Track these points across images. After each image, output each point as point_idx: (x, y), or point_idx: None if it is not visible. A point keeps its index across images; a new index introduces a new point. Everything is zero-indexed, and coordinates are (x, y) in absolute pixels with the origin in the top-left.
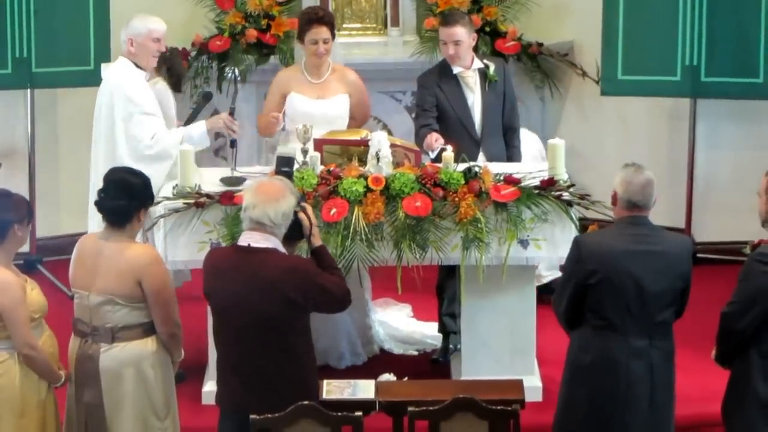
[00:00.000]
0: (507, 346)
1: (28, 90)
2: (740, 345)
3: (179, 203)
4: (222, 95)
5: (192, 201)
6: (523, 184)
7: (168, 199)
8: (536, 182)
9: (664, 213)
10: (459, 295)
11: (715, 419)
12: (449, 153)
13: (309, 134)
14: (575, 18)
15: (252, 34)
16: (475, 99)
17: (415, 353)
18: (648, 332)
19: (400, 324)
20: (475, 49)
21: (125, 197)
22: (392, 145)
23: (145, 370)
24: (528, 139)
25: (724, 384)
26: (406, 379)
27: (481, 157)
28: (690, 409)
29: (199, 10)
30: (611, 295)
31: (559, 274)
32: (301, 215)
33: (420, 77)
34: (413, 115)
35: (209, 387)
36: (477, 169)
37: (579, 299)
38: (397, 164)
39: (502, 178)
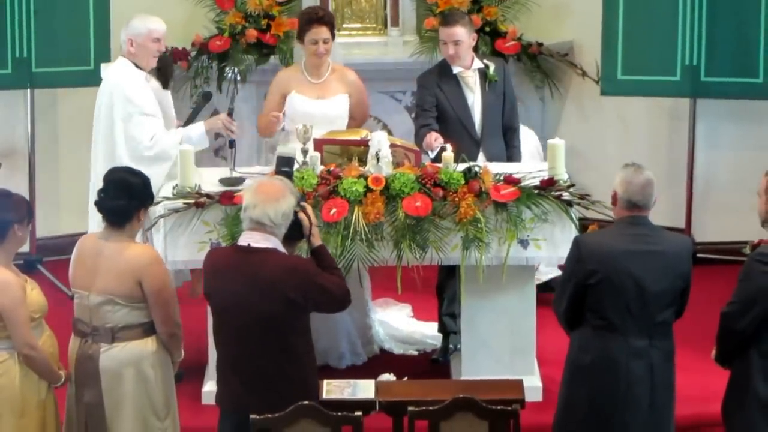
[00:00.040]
0: (507, 346)
1: (28, 90)
2: (740, 345)
3: (179, 203)
4: (222, 95)
5: (192, 201)
6: (523, 184)
7: (168, 199)
8: (536, 182)
9: (664, 213)
10: (459, 295)
11: (715, 419)
12: (449, 153)
13: (309, 134)
14: (575, 18)
15: (252, 34)
16: (475, 99)
17: (415, 353)
18: (648, 332)
19: (400, 324)
20: (475, 49)
21: (125, 197)
22: (392, 145)
23: (145, 370)
24: (525, 136)
25: (724, 384)
26: (406, 379)
27: (480, 157)
28: (690, 409)
29: (199, 10)
30: (611, 295)
31: (557, 272)
32: (301, 215)
33: (420, 77)
34: (413, 115)
35: (209, 387)
36: (477, 169)
37: (579, 299)
38: (397, 164)
39: (502, 178)
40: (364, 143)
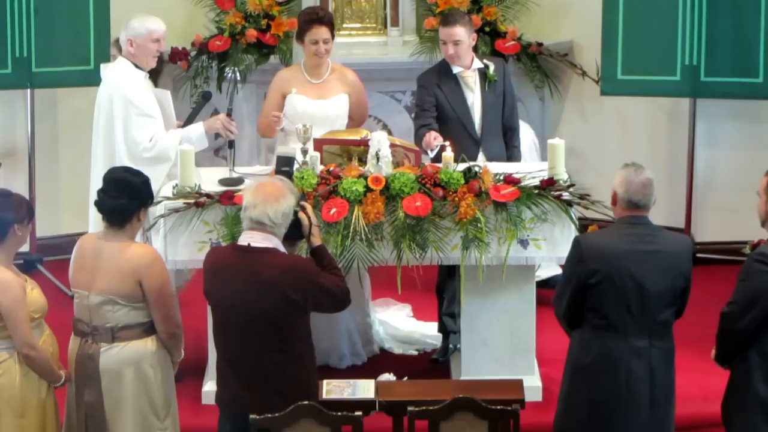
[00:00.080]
0: (507, 346)
1: (28, 90)
2: (740, 345)
3: (179, 203)
4: (222, 95)
5: (192, 201)
6: (522, 184)
7: (168, 198)
8: (536, 182)
9: (664, 213)
10: (459, 295)
11: (715, 419)
12: (449, 153)
13: (309, 134)
14: (575, 18)
15: (252, 34)
16: (474, 99)
17: (415, 353)
18: (648, 332)
19: (400, 324)
20: (475, 49)
21: (125, 196)
22: (392, 145)
23: (145, 369)
24: (522, 130)
25: (724, 384)
26: (406, 379)
27: (480, 156)
28: (690, 409)
29: (199, 10)
30: (612, 295)
31: (557, 269)
32: (301, 215)
33: (420, 77)
34: (413, 115)
35: (209, 387)
36: (477, 168)
37: (579, 299)
38: (397, 164)
39: (501, 177)
40: (364, 143)
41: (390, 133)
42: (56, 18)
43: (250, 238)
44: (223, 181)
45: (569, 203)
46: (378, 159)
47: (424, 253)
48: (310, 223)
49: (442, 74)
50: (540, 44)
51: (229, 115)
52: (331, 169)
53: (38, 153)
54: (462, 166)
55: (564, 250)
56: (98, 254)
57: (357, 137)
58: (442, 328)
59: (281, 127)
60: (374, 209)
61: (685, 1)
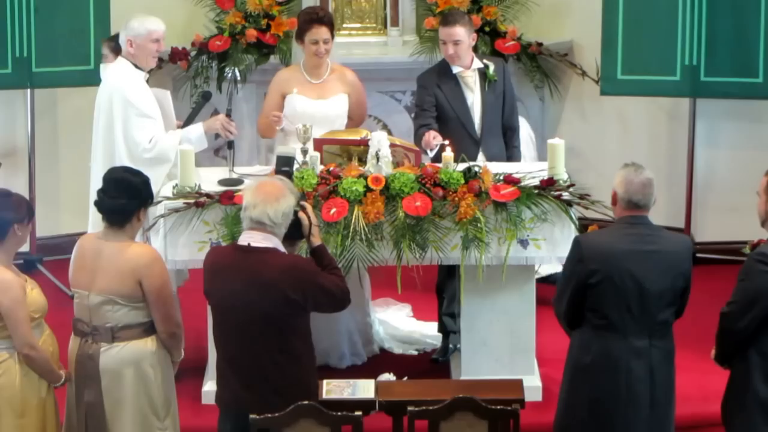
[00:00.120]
0: (507, 346)
1: (28, 90)
2: (740, 345)
3: (179, 203)
4: (222, 95)
5: (192, 201)
6: (522, 184)
7: (168, 198)
8: (536, 182)
9: (663, 213)
10: (459, 295)
11: (715, 419)
12: (449, 153)
13: (309, 134)
14: (575, 18)
15: (252, 34)
16: (474, 99)
17: (415, 353)
18: (648, 332)
19: (400, 323)
20: (475, 49)
21: (125, 196)
22: (392, 145)
23: (145, 369)
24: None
25: (724, 384)
26: (406, 378)
27: (480, 156)
28: (690, 409)
29: (199, 10)
30: (612, 295)
31: (557, 267)
32: (301, 214)
33: (419, 77)
34: (413, 114)
35: (209, 387)
36: (477, 168)
37: (579, 299)
38: (396, 164)
39: (501, 177)
40: (364, 143)
41: (390, 133)
42: (56, 18)
43: (250, 238)
44: (223, 182)
45: (569, 203)
46: (378, 159)
47: (424, 253)
48: (310, 223)
49: (442, 74)
50: (540, 44)
51: (228, 115)
52: (331, 169)
53: (38, 153)
54: (462, 166)
55: (564, 250)
56: (98, 254)
57: (357, 137)
58: (442, 328)
59: (281, 127)
60: (374, 209)
61: (685, 1)
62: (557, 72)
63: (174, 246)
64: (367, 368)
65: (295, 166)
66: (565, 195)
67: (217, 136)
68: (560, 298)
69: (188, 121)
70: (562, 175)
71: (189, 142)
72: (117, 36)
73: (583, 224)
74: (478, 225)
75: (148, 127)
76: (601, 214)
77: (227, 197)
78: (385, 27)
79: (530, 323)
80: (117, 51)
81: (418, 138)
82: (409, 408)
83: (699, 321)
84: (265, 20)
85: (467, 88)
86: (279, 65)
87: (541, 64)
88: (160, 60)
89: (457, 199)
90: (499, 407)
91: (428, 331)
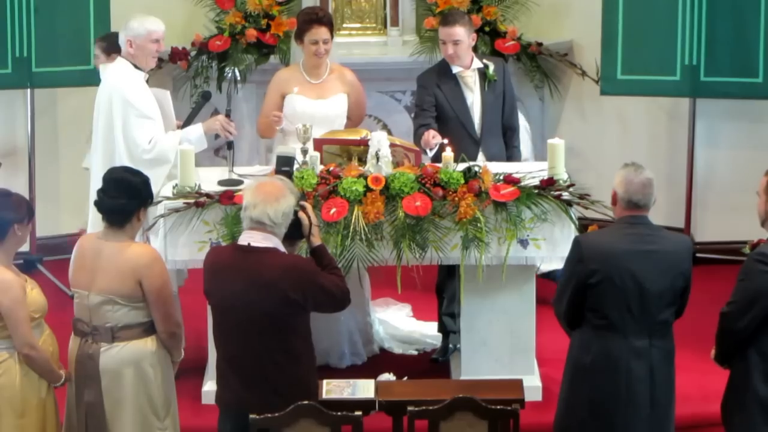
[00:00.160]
0: (507, 346)
1: (28, 89)
2: (739, 345)
3: (179, 203)
4: (222, 95)
5: (192, 201)
6: (522, 184)
7: (168, 198)
8: (536, 182)
9: (663, 213)
10: (459, 295)
11: (715, 419)
12: (449, 153)
13: (309, 134)
14: (575, 18)
15: (252, 33)
16: (474, 99)
17: (415, 353)
18: (648, 332)
19: (399, 323)
20: (475, 49)
21: (125, 196)
22: (392, 145)
23: (145, 369)
24: None
25: (724, 384)
26: (406, 378)
27: (480, 156)
28: (690, 409)
29: (199, 10)
30: (612, 295)
31: (558, 264)
32: (301, 214)
33: (419, 77)
34: (413, 114)
35: (209, 387)
36: (476, 168)
37: (579, 299)
38: (396, 164)
39: (501, 177)
40: (364, 143)
41: (390, 133)
42: (56, 18)
43: (250, 238)
44: (223, 182)
45: (569, 203)
46: (378, 159)
47: (424, 253)
48: (310, 223)
49: (442, 74)
50: (540, 44)
51: (228, 115)
52: (331, 169)
53: (38, 153)
54: (462, 166)
55: (564, 250)
56: (98, 254)
57: (357, 137)
58: (442, 328)
59: (281, 127)
60: (374, 209)
61: (685, 1)
62: (557, 72)
63: (174, 246)
64: (367, 368)
65: (295, 166)
66: (565, 195)
67: (216, 136)
68: (560, 298)
69: (188, 121)
70: (562, 175)
71: (189, 142)
72: (108, 36)
73: (583, 224)
74: (478, 225)
75: (148, 128)
76: (601, 214)
77: (227, 197)
78: (385, 27)
79: (530, 323)
80: (108, 51)
81: (417, 138)
82: (409, 408)
83: (699, 321)
84: (265, 20)
85: (467, 88)
86: (279, 65)
87: (541, 64)
88: (160, 60)
89: (457, 199)
90: (499, 407)
91: (428, 331)
